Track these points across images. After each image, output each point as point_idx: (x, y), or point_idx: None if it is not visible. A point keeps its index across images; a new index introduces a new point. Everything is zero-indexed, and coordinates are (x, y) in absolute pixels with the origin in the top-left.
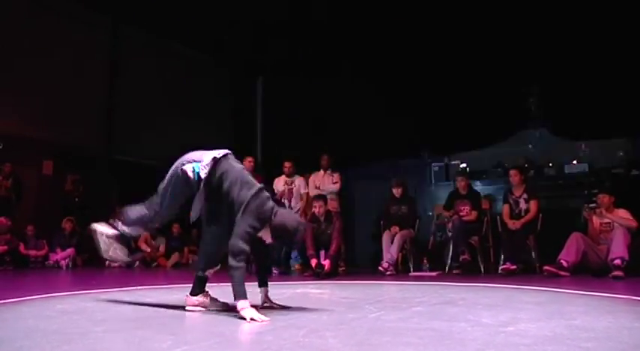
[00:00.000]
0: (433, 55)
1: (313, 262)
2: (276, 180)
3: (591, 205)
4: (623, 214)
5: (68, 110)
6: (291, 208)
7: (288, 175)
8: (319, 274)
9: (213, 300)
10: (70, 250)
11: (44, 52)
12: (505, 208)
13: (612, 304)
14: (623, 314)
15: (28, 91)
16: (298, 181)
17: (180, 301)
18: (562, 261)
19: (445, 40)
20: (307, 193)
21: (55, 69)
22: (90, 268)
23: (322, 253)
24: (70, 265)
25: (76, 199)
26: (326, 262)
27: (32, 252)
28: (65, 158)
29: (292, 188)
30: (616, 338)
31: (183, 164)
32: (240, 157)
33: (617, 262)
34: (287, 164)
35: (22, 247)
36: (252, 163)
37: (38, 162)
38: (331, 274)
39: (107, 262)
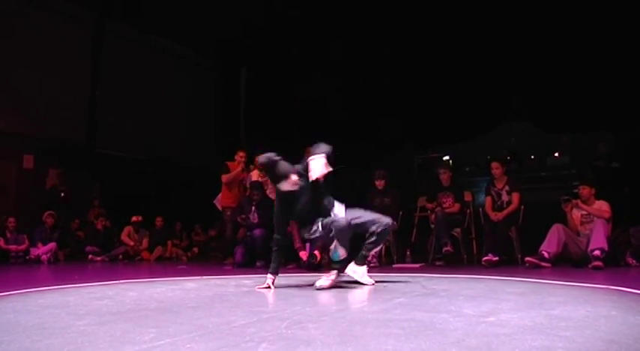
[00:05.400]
0: (417, 48)
1: (303, 254)
2: (250, 174)
3: (565, 197)
4: (600, 205)
5: (50, 104)
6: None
7: (260, 169)
8: (312, 265)
9: None
10: (51, 245)
11: (27, 46)
12: (487, 201)
13: (591, 294)
14: (602, 303)
15: (8, 85)
16: None
17: (162, 294)
18: (543, 252)
19: (429, 35)
20: None
21: (37, 62)
22: (72, 263)
23: (308, 245)
24: (52, 260)
25: (62, 194)
26: (316, 253)
27: (12, 247)
28: (46, 152)
29: (266, 180)
30: (593, 327)
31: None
32: (227, 151)
33: (597, 253)
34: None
35: (1, 242)
36: (243, 158)
37: (19, 156)
38: (318, 266)
39: (89, 256)
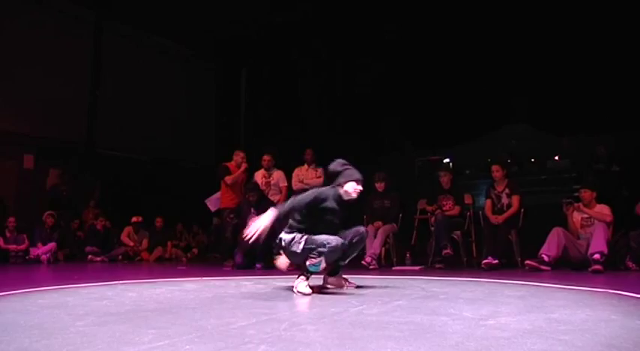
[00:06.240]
0: (419, 51)
1: None
2: (256, 174)
3: (568, 200)
4: (602, 209)
5: (50, 104)
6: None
7: (266, 169)
8: None
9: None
10: (51, 245)
11: (27, 46)
12: (487, 203)
13: (591, 298)
14: (601, 307)
15: (8, 85)
16: (276, 174)
17: (161, 295)
18: (543, 255)
19: (431, 37)
20: (286, 187)
21: (37, 62)
22: (71, 263)
23: None
24: (51, 260)
25: (65, 193)
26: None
27: (12, 246)
28: (47, 152)
29: (270, 181)
30: (593, 331)
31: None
32: (228, 151)
33: (597, 256)
34: (266, 158)
35: (1, 242)
36: (244, 158)
37: (19, 156)
38: None
39: (89, 257)
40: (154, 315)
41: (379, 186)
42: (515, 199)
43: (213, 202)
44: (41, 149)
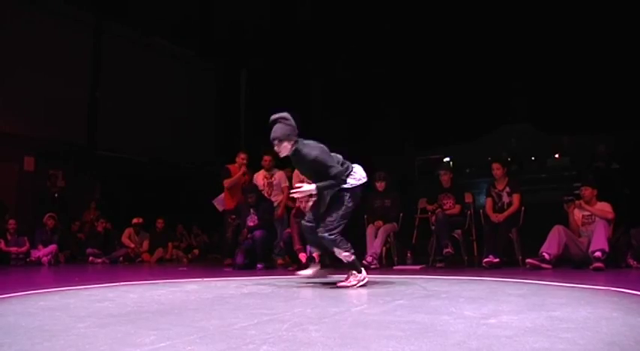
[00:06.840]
0: (419, 50)
1: (302, 256)
2: (256, 175)
3: (569, 198)
4: (603, 207)
5: (51, 106)
6: (272, 202)
7: (267, 170)
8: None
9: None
10: (52, 247)
11: (27, 47)
12: (488, 202)
13: (592, 296)
14: (602, 305)
15: (9, 86)
16: (278, 175)
17: (163, 296)
18: (544, 254)
19: (431, 37)
20: (287, 187)
21: (38, 63)
22: (72, 265)
23: (308, 247)
24: (52, 262)
25: (55, 195)
26: (315, 255)
27: (13, 249)
28: (47, 154)
29: (272, 182)
30: (594, 328)
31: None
32: (228, 152)
33: (598, 254)
34: (266, 158)
35: (2, 244)
36: (245, 161)
37: (19, 158)
38: None
39: (90, 258)
40: (155, 316)
41: (379, 185)
42: (516, 198)
43: (220, 202)
44: (42, 151)
